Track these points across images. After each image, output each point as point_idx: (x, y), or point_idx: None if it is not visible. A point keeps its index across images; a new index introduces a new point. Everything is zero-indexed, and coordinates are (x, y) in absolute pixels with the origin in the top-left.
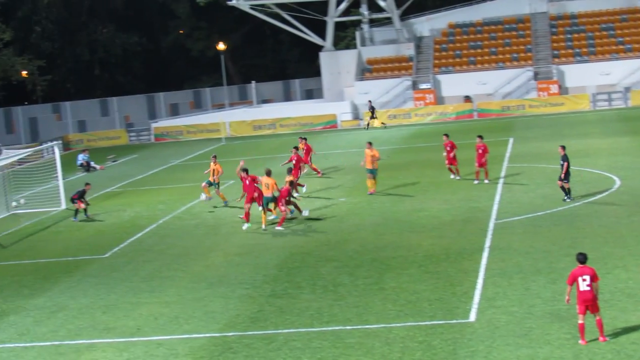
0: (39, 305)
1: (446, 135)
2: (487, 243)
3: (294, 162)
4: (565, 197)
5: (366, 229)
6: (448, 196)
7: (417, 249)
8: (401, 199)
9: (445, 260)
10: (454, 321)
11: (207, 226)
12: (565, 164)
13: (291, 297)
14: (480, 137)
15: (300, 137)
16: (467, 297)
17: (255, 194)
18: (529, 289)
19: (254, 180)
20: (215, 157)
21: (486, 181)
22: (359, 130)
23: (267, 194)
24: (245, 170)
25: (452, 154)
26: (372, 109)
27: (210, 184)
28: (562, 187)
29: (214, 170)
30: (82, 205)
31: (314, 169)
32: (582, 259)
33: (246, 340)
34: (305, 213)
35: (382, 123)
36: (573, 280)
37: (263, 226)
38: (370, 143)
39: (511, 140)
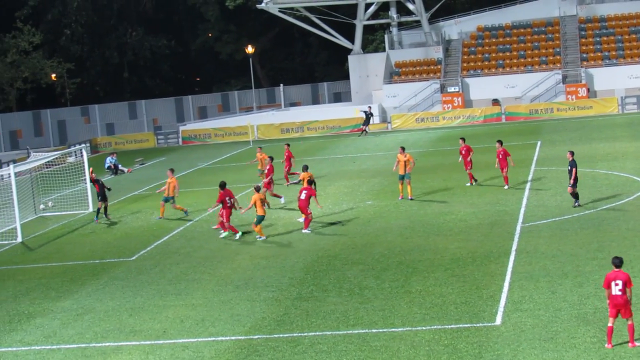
0: (65, 308)
1: (462, 139)
2: (514, 246)
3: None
4: (575, 203)
5: (393, 232)
6: (475, 199)
7: (443, 252)
8: (428, 202)
9: (471, 263)
10: (480, 324)
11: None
12: (574, 169)
13: (317, 300)
14: (500, 142)
15: (286, 144)
16: (494, 301)
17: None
18: (556, 292)
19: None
20: (172, 170)
21: (505, 187)
22: (387, 133)
23: (260, 212)
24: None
25: (468, 158)
26: (369, 116)
27: (166, 199)
28: (572, 193)
29: (169, 184)
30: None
31: (286, 176)
32: (618, 262)
33: (272, 343)
34: (237, 236)
35: (364, 132)
36: (608, 284)
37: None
38: (402, 148)
39: (539, 144)
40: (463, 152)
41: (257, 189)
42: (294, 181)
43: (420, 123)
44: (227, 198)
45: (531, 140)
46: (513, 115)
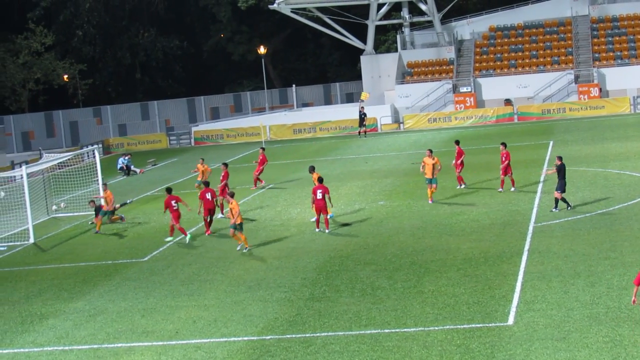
0: (78, 309)
1: (457, 142)
2: (526, 246)
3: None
4: (554, 208)
5: (405, 233)
6: (487, 200)
7: (456, 253)
8: (441, 202)
9: (484, 263)
10: (493, 324)
11: (246, 230)
12: (554, 169)
13: (330, 301)
14: (504, 144)
15: (261, 147)
16: (506, 301)
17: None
18: (568, 292)
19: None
20: (105, 184)
21: (512, 189)
22: (400, 133)
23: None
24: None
25: (459, 160)
26: (363, 117)
27: (104, 213)
28: (562, 199)
29: (105, 198)
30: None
31: (255, 180)
32: None
33: (284, 344)
34: (187, 239)
35: (363, 132)
36: (639, 281)
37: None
38: (430, 150)
39: (551, 144)
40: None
41: (232, 195)
42: (261, 186)
43: (433, 123)
44: (172, 202)
45: (543, 140)
46: (525, 116)
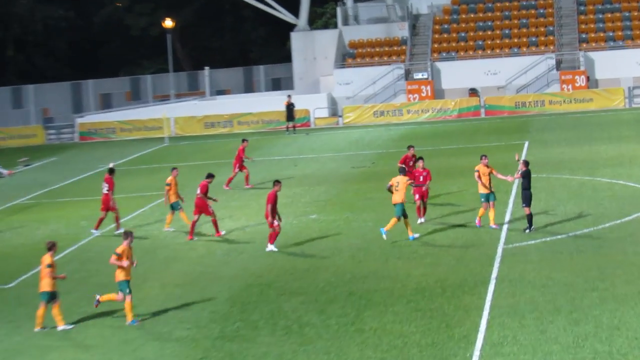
0: None
1: (411, 147)
2: (494, 273)
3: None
4: (527, 229)
5: (342, 255)
6: (446, 213)
7: (405, 280)
8: (387, 216)
9: (440, 294)
10: None
11: (141, 249)
12: (517, 175)
13: (245, 341)
14: (421, 158)
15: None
16: (468, 342)
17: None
18: (545, 332)
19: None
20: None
21: (421, 220)
22: (338, 129)
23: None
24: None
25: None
26: (292, 108)
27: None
28: (529, 215)
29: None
30: None
31: (230, 179)
32: None
33: None
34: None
35: (291, 127)
36: None
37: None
38: (485, 156)
39: (526, 145)
40: (408, 161)
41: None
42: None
43: (380, 117)
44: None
45: (517, 141)
46: (495, 109)
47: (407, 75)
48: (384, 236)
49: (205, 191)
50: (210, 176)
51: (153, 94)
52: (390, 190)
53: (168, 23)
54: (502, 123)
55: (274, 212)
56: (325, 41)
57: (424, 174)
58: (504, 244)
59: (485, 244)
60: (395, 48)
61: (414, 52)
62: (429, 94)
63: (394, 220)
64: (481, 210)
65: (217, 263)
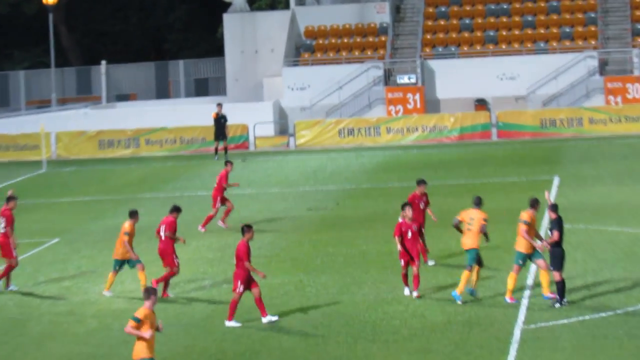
0: None
1: (422, 182)
2: None
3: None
4: (557, 303)
5: (292, 334)
6: (441, 278)
7: None
8: (357, 278)
9: None
10: None
11: (5, 321)
12: (556, 232)
13: None
14: (408, 206)
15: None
16: None
17: None
18: None
19: None
20: None
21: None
22: (288, 154)
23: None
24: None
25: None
26: (222, 122)
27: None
28: (559, 283)
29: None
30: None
31: (209, 217)
32: None
33: None
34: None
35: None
36: None
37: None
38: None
39: (556, 182)
40: (417, 201)
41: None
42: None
43: (348, 138)
44: None
45: (543, 175)
46: (512, 130)
47: (388, 78)
48: (459, 301)
49: (173, 229)
50: (176, 210)
51: (26, 99)
52: (458, 228)
53: None
54: (521, 149)
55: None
56: (272, 27)
57: (414, 227)
58: (523, 323)
59: (496, 323)
60: (371, 39)
61: (398, 46)
62: (418, 105)
63: (466, 274)
64: (513, 279)
65: (114, 342)
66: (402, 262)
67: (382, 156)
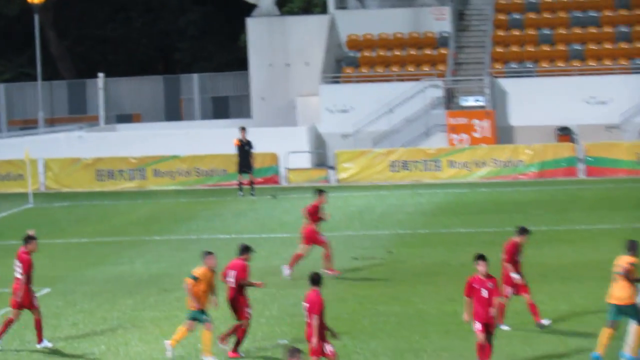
0: None
1: (525, 231)
2: None
3: None
4: None
5: None
6: (548, 342)
7: None
8: (415, 344)
9: None
10: None
11: None
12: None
13: None
14: (482, 259)
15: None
16: None
17: None
18: None
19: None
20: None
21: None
22: (330, 190)
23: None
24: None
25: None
26: (246, 151)
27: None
28: None
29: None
30: None
31: (298, 256)
32: None
33: None
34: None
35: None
36: None
37: None
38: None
39: None
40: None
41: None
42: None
43: (401, 173)
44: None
45: None
46: (603, 166)
47: (450, 99)
48: None
49: (244, 277)
50: (246, 250)
51: (8, 118)
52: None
53: None
54: (615, 190)
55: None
56: (307, 35)
57: (490, 284)
58: None
59: None
60: (429, 52)
61: (461, 60)
62: (488, 133)
63: (606, 332)
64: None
65: None
66: (478, 326)
67: (442, 195)
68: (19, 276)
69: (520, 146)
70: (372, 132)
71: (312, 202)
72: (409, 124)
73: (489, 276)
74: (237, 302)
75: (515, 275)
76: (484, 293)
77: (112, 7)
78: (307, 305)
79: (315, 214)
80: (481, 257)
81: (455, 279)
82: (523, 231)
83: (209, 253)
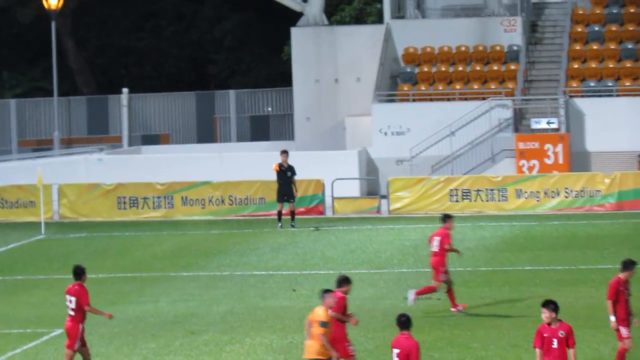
0: None
1: (634, 265)
2: None
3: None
4: None
5: None
6: None
7: None
8: None
9: None
10: None
11: None
12: None
13: None
14: (545, 306)
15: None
16: None
17: None
18: None
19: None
20: None
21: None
22: (381, 221)
23: None
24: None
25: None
26: (288, 177)
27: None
28: None
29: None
30: None
31: (429, 289)
32: None
33: None
34: None
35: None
36: None
37: None
38: (626, 265)
39: None
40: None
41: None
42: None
43: (462, 203)
44: None
45: None
46: None
47: (519, 121)
48: None
49: (343, 310)
50: (345, 282)
51: (19, 138)
52: None
53: (51, 2)
54: None
55: None
56: (358, 48)
57: (561, 333)
58: None
59: None
60: (496, 67)
61: (533, 77)
62: (561, 160)
63: None
64: None
65: None
66: None
67: (508, 228)
68: (72, 313)
69: (597, 174)
70: (430, 157)
71: (439, 229)
72: (472, 148)
73: (560, 323)
74: (338, 338)
75: (611, 318)
76: (555, 343)
77: (138, 14)
78: (399, 351)
79: (446, 242)
80: (545, 305)
81: (520, 323)
82: (627, 265)
83: (328, 291)
